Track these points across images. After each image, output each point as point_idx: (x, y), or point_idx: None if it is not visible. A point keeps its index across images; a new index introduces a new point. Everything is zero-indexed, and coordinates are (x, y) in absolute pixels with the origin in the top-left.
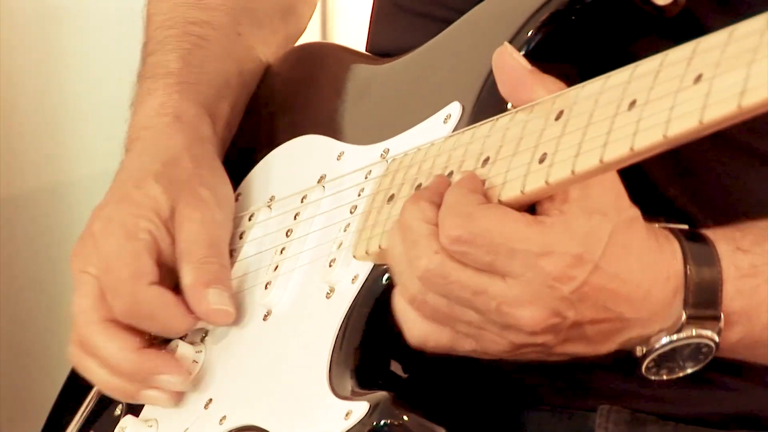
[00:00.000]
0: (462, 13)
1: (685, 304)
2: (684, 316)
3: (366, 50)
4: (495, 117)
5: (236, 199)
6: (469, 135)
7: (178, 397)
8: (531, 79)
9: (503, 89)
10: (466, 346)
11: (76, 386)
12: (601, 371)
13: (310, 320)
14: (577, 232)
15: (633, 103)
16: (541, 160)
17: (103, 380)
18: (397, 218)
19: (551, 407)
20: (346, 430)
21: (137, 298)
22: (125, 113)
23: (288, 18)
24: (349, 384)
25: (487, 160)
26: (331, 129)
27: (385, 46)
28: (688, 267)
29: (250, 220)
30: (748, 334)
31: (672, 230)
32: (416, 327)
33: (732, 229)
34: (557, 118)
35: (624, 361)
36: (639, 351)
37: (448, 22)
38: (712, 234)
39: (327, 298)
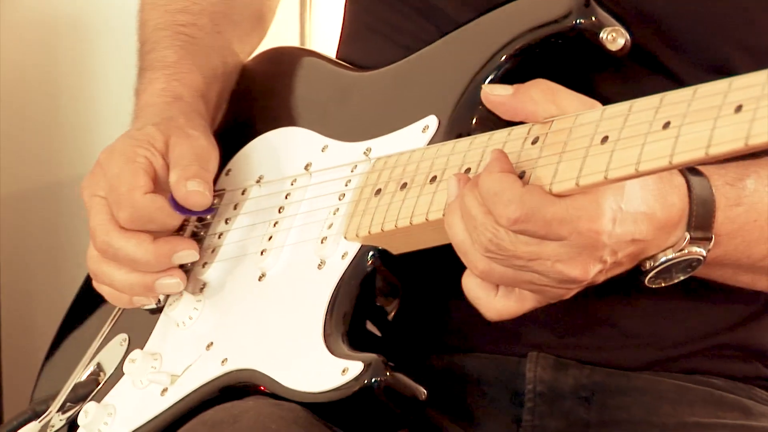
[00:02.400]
0: (427, 43)
1: (689, 227)
2: (687, 237)
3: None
4: (473, 136)
5: (227, 174)
6: (450, 147)
7: (185, 281)
8: (517, 100)
9: (505, 117)
10: (532, 303)
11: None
12: (531, 324)
13: (303, 285)
14: (604, 199)
15: (605, 138)
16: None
17: (122, 280)
18: (385, 212)
19: (488, 353)
20: (343, 384)
21: (136, 205)
22: (126, 112)
23: (258, 22)
24: (342, 346)
25: (468, 170)
26: (314, 124)
27: (355, 61)
28: (692, 196)
29: (243, 194)
30: (725, 253)
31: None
32: (490, 302)
33: (718, 166)
34: (533, 143)
35: (548, 315)
36: (648, 265)
37: (412, 50)
38: (706, 170)
39: (319, 268)
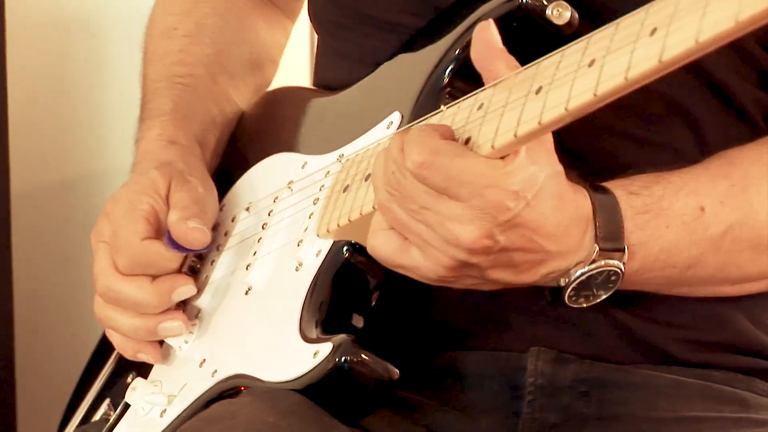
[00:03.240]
0: (393, 56)
1: (596, 239)
2: (597, 249)
3: (313, 82)
4: (427, 115)
5: (221, 209)
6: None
7: (189, 324)
8: (500, 55)
9: (477, 59)
10: (413, 255)
11: (96, 360)
12: (530, 318)
13: (283, 289)
14: (518, 175)
15: (539, 89)
16: (466, 142)
17: (126, 324)
18: (351, 203)
19: (488, 349)
20: (315, 366)
21: (135, 251)
22: (136, 111)
23: (255, 72)
24: (315, 332)
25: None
26: (296, 146)
27: (331, 85)
28: (595, 209)
29: (232, 221)
30: (644, 264)
31: (581, 183)
32: (376, 235)
33: (622, 179)
34: (479, 108)
35: (550, 308)
36: (562, 281)
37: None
38: (609, 184)
39: (296, 270)
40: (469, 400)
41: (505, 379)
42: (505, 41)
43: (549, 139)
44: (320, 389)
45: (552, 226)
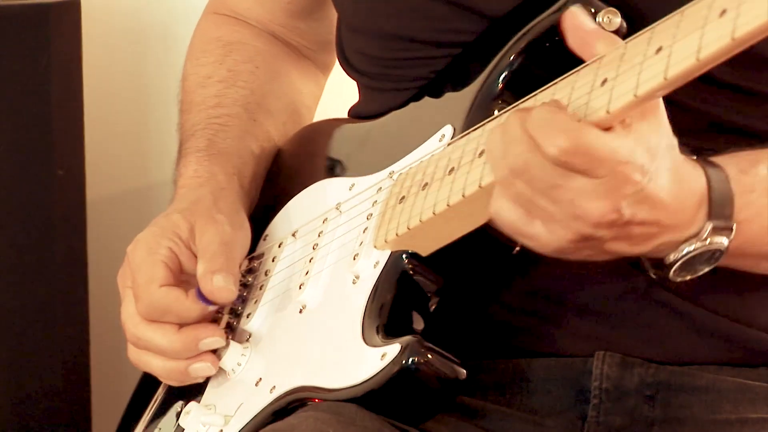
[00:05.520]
0: (427, 79)
1: (710, 215)
2: (710, 226)
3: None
4: (483, 122)
5: (264, 239)
6: (464, 140)
7: (217, 364)
8: (594, 35)
9: (576, 45)
10: (536, 226)
11: (145, 388)
12: (594, 321)
13: (341, 302)
14: (642, 147)
15: (659, 49)
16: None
17: (160, 367)
18: (410, 212)
19: (554, 354)
20: (383, 367)
21: (152, 297)
22: None
23: (291, 113)
24: (377, 338)
25: (482, 152)
26: (339, 172)
27: (366, 114)
28: (710, 184)
29: (279, 247)
30: (746, 240)
31: (695, 158)
32: (500, 202)
33: (731, 154)
34: (590, 84)
35: (614, 313)
36: (672, 257)
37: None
38: (719, 160)
39: (353, 284)
40: (534, 405)
41: (570, 384)
42: (555, 50)
43: (663, 112)
44: (387, 392)
45: (670, 199)
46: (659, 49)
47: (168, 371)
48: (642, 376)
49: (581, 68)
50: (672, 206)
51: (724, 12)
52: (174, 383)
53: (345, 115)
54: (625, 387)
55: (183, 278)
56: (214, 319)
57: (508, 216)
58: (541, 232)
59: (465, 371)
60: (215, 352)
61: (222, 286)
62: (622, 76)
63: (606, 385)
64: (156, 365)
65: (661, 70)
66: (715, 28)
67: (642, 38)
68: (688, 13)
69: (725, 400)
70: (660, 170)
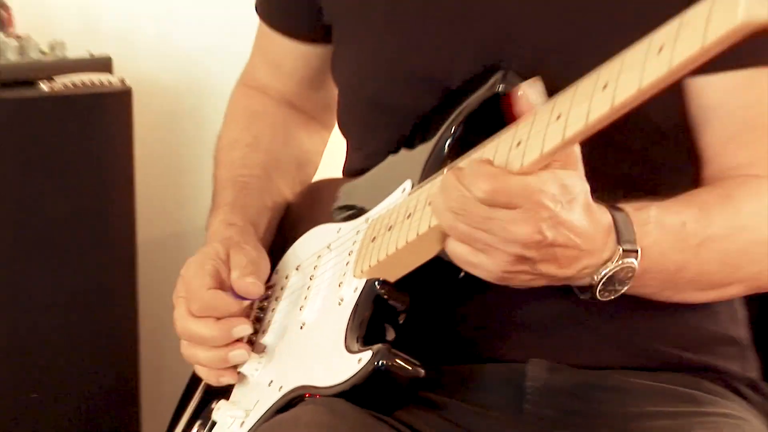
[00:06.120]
0: (394, 143)
1: (619, 242)
2: (620, 250)
3: (343, 174)
4: (433, 177)
5: (275, 272)
6: (419, 191)
7: (250, 350)
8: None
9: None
10: (479, 257)
11: (188, 393)
12: (529, 334)
13: (330, 319)
14: (554, 183)
15: (559, 116)
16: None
17: (204, 357)
18: (379, 248)
19: (498, 360)
20: (360, 369)
21: (203, 298)
22: None
23: (299, 171)
24: (356, 346)
25: (431, 201)
26: (331, 219)
27: (353, 172)
28: (615, 219)
29: (286, 278)
30: (649, 264)
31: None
32: (456, 248)
33: (628, 202)
34: (516, 143)
35: (544, 327)
36: (595, 278)
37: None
38: (620, 204)
39: (339, 305)
40: (483, 401)
41: (510, 384)
42: (490, 117)
43: (581, 165)
44: (364, 388)
45: (583, 227)
46: (559, 116)
47: (211, 359)
48: (566, 377)
49: (503, 132)
50: (586, 233)
51: (606, 86)
52: (213, 378)
53: (342, 159)
54: (553, 386)
55: (222, 287)
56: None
57: (459, 253)
58: (484, 261)
59: (424, 371)
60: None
61: (251, 282)
62: (532, 138)
63: (537, 385)
64: (202, 356)
65: (560, 132)
66: (598, 98)
67: (547, 107)
68: (581, 87)
69: (630, 397)
70: (573, 203)
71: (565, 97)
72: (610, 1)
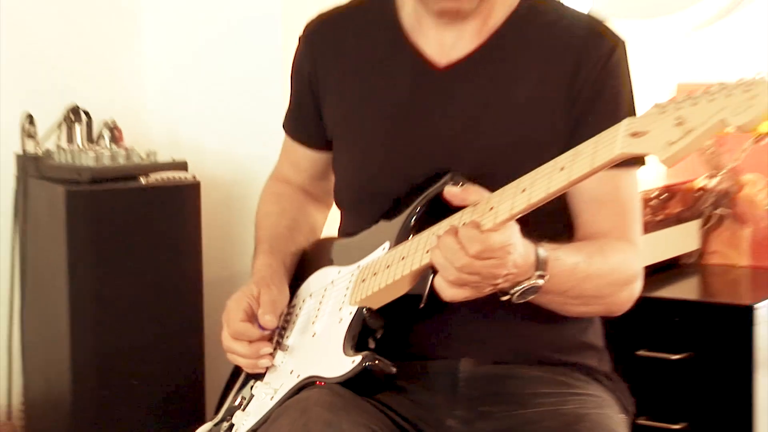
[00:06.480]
0: (376, 217)
1: (536, 268)
2: (537, 274)
3: (338, 235)
4: (403, 242)
5: (296, 296)
6: (394, 251)
7: (272, 361)
8: (464, 195)
9: (455, 202)
10: (472, 292)
11: (234, 375)
12: (461, 341)
13: (332, 332)
14: (509, 239)
15: (524, 189)
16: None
17: (243, 361)
18: (367, 287)
19: (442, 358)
20: (353, 366)
21: (236, 327)
22: None
23: (311, 231)
24: (351, 351)
25: (404, 257)
26: (333, 263)
27: (348, 234)
28: (537, 254)
29: (303, 302)
30: (551, 284)
31: (529, 241)
32: (448, 291)
33: (546, 243)
34: (490, 210)
35: (472, 337)
36: (516, 289)
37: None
38: (541, 245)
39: (339, 323)
40: (432, 385)
41: (449, 375)
42: (440, 203)
43: (516, 226)
44: (356, 380)
45: (521, 261)
46: (492, 208)
47: (245, 365)
48: (486, 370)
49: (464, 211)
50: (522, 265)
51: (524, 190)
52: (249, 371)
53: (336, 229)
54: (477, 376)
55: (253, 317)
56: (270, 339)
57: (455, 295)
58: (468, 294)
59: (395, 369)
60: (274, 351)
61: (269, 319)
62: (501, 205)
63: (466, 375)
64: (239, 361)
65: (492, 220)
66: (519, 198)
67: (486, 199)
68: (507, 189)
69: (527, 383)
70: (516, 246)
71: (496, 194)
72: (517, 133)
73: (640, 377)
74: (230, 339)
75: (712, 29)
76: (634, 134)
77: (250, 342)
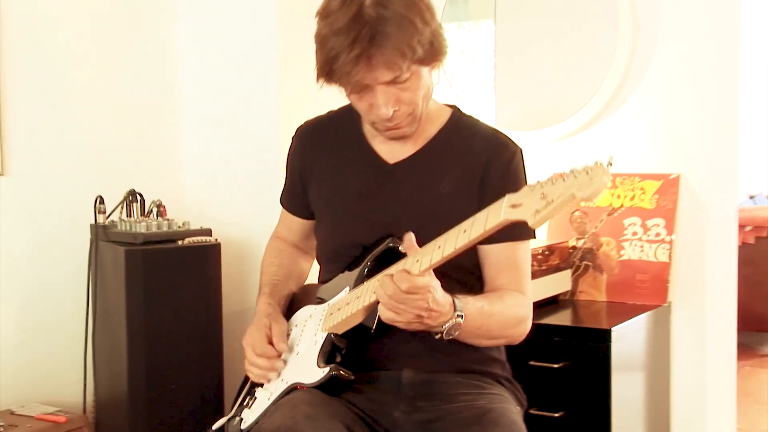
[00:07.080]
0: (344, 267)
1: (455, 310)
2: (455, 314)
3: (319, 280)
4: (362, 283)
5: (288, 327)
6: (353, 292)
7: (278, 375)
8: (409, 245)
9: (408, 249)
10: (405, 318)
11: (243, 384)
12: (403, 356)
13: (310, 351)
14: (432, 281)
15: (439, 247)
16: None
17: (257, 372)
18: (333, 319)
19: (390, 369)
20: (323, 375)
21: (262, 347)
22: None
23: (300, 278)
24: (323, 364)
25: (359, 296)
26: (312, 302)
27: (325, 280)
28: (454, 300)
29: (291, 330)
30: (467, 323)
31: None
32: (385, 314)
33: (462, 296)
34: (415, 261)
35: (412, 354)
36: (443, 327)
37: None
38: (456, 295)
39: (314, 344)
40: (382, 388)
41: (395, 380)
42: (386, 258)
43: (437, 280)
44: (327, 384)
45: (442, 303)
46: (417, 260)
47: (258, 375)
48: (422, 378)
49: (407, 257)
50: (443, 306)
51: (439, 246)
52: (257, 381)
53: (316, 278)
54: (416, 382)
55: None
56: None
57: (388, 316)
58: (401, 319)
59: (354, 376)
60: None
61: (283, 347)
62: (424, 257)
63: (408, 381)
64: (256, 371)
65: (417, 268)
66: (436, 253)
67: (413, 255)
68: (428, 246)
69: (453, 386)
70: (437, 291)
71: (424, 249)
72: (441, 214)
73: (531, 380)
74: (255, 356)
75: (572, 139)
76: (513, 206)
77: (269, 359)
